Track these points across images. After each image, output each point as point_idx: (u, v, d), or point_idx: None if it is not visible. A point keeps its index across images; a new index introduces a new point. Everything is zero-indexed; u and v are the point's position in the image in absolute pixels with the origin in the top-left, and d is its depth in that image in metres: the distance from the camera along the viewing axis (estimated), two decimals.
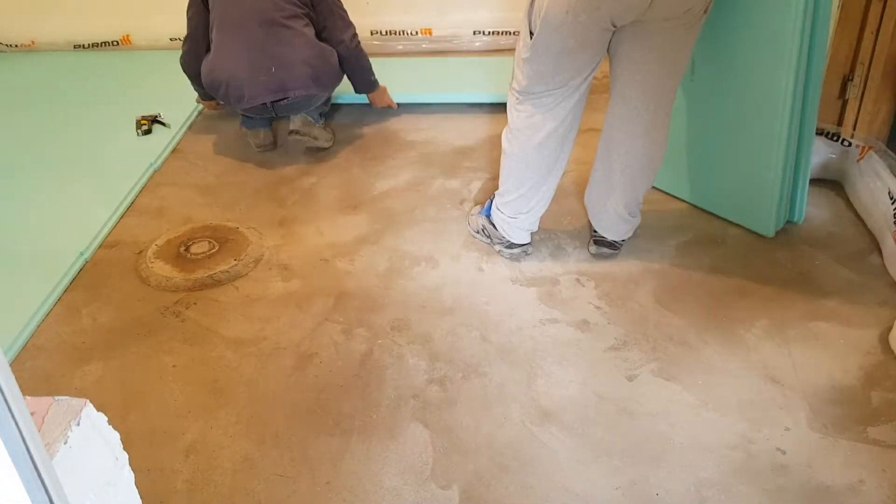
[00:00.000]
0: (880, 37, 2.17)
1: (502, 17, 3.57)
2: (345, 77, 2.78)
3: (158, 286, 2.10)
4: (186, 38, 2.72)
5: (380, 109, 3.01)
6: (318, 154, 2.76)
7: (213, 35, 2.64)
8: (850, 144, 2.34)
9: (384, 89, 2.94)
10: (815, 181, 2.31)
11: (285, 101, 2.60)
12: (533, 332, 1.89)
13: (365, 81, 2.85)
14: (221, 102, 2.85)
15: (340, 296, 2.04)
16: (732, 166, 2.18)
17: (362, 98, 3.01)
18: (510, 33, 3.59)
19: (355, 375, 1.78)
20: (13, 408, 0.61)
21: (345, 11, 2.73)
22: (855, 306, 1.94)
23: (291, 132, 2.71)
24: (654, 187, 2.41)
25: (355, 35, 2.74)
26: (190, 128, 3.00)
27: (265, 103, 2.59)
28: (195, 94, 3.20)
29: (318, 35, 2.70)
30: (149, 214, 2.44)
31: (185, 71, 2.79)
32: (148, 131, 2.92)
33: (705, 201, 2.33)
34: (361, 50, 2.77)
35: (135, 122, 2.95)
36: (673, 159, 2.29)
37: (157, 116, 2.99)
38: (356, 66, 2.78)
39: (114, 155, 2.78)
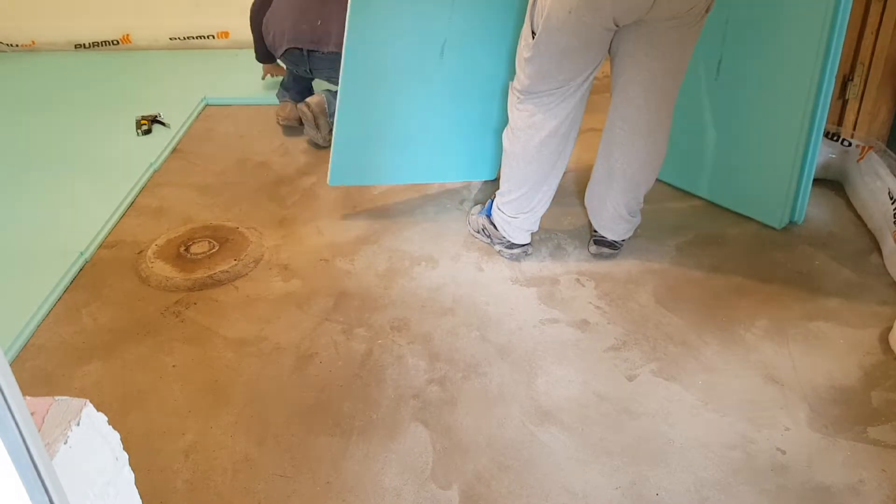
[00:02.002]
0: (880, 37, 2.17)
1: None
2: None
3: (158, 286, 2.10)
4: None
5: None
6: (317, 154, 2.76)
7: None
8: (850, 144, 2.34)
9: None
10: (815, 181, 2.31)
11: (319, 52, 2.76)
12: (533, 332, 1.89)
13: None
14: (278, 62, 3.09)
15: (340, 296, 2.04)
16: (745, 159, 2.21)
17: None
18: None
19: (355, 375, 1.78)
20: (13, 408, 0.61)
21: None
22: (855, 306, 1.94)
23: (304, 104, 2.77)
24: (662, 181, 2.43)
25: None
26: (190, 128, 3.00)
27: (301, 50, 2.78)
28: (195, 93, 3.21)
29: None
30: (149, 214, 2.44)
31: (251, 25, 2.98)
32: (148, 131, 2.92)
33: (713, 194, 2.35)
34: None
35: (135, 122, 2.95)
36: (683, 153, 2.32)
37: (156, 116, 2.99)
38: None
39: (114, 155, 2.78)
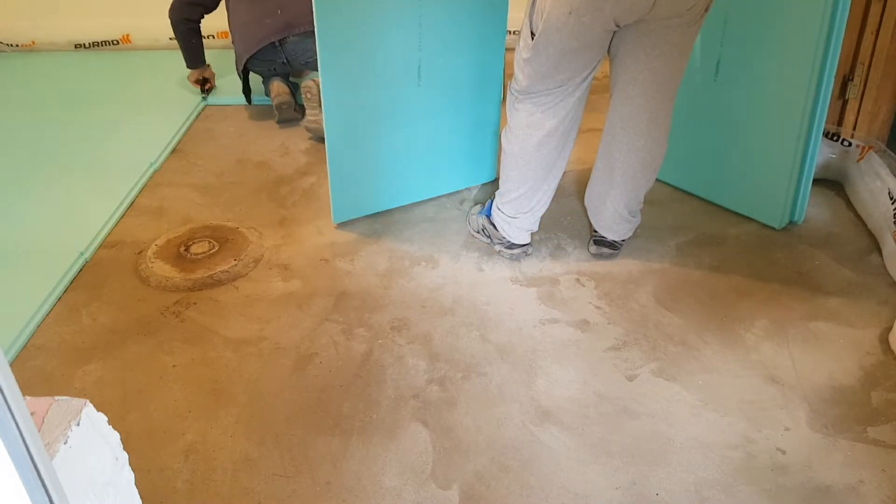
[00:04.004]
0: (880, 37, 2.17)
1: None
2: None
3: (158, 286, 2.10)
4: None
5: None
6: (318, 154, 2.76)
7: (230, 4, 2.89)
8: (850, 144, 2.34)
9: None
10: (815, 181, 2.31)
11: (292, 38, 2.80)
12: (533, 332, 1.89)
13: None
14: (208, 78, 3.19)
15: (340, 296, 2.04)
16: (745, 159, 2.22)
17: None
18: (510, 32, 3.58)
19: (355, 375, 1.78)
20: (13, 408, 0.61)
21: None
22: (855, 306, 1.94)
23: (307, 84, 2.79)
24: (662, 181, 2.43)
25: None
26: (190, 128, 3.00)
27: (274, 44, 2.80)
28: (195, 93, 3.20)
29: None
30: (149, 214, 2.44)
31: (175, 31, 3.03)
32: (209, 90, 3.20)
33: (713, 194, 2.36)
34: None
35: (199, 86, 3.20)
36: (683, 153, 2.33)
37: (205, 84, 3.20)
38: None
39: (114, 155, 2.78)
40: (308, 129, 2.81)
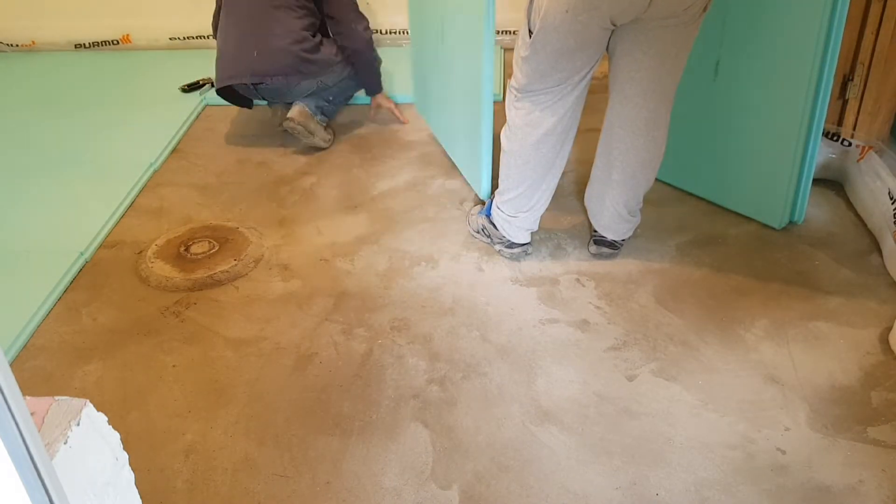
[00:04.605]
0: (880, 37, 2.17)
1: (501, 18, 3.56)
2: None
3: (158, 286, 2.10)
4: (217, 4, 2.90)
5: (379, 113, 3.01)
6: (317, 154, 2.76)
7: (221, 14, 2.80)
8: (850, 144, 2.34)
9: (385, 94, 2.99)
10: (815, 181, 2.31)
11: (264, 84, 2.70)
12: (533, 332, 1.89)
13: (374, 80, 2.90)
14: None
15: (340, 296, 2.04)
16: (745, 159, 2.22)
17: (363, 99, 3.01)
18: (510, 32, 3.59)
19: (355, 375, 1.78)
20: (13, 408, 0.61)
21: (356, 4, 2.79)
22: (855, 306, 1.94)
23: (287, 119, 2.70)
24: (662, 181, 2.43)
25: (368, 28, 2.79)
26: (190, 128, 3.00)
27: (247, 84, 2.70)
28: (194, 93, 3.21)
29: (329, 28, 2.80)
30: (149, 214, 2.44)
31: (214, 37, 2.94)
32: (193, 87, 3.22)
33: (713, 194, 2.36)
34: (373, 45, 2.82)
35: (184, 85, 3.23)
36: (683, 153, 2.33)
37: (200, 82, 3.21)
38: (367, 60, 2.82)
39: (114, 155, 2.78)
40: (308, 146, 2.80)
